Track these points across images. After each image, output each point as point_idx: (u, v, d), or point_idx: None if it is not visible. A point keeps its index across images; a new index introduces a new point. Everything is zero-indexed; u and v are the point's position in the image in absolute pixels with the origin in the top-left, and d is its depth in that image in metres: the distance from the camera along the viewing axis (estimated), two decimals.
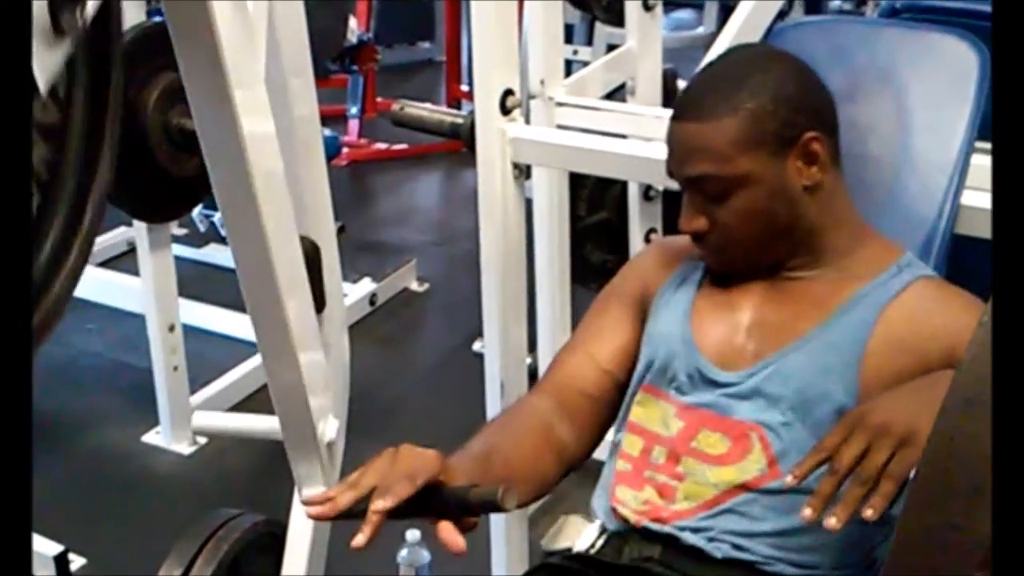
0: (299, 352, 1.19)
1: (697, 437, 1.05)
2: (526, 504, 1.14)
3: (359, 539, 0.84)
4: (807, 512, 0.88)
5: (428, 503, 0.88)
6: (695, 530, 1.03)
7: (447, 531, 0.87)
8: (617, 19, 2.30)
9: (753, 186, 1.02)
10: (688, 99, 1.07)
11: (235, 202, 1.07)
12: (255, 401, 2.43)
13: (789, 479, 0.91)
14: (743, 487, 1.02)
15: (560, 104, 1.64)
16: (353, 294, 2.80)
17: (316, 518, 0.89)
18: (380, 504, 0.85)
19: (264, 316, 1.17)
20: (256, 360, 2.44)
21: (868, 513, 0.85)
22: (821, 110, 1.06)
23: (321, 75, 3.09)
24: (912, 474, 0.83)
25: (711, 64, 1.13)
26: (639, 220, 1.92)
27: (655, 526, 1.05)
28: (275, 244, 1.10)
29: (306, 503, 0.91)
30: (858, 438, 0.88)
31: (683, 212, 1.08)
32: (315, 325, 1.25)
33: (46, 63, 0.59)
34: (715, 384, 1.05)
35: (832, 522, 0.86)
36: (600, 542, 1.10)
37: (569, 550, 1.10)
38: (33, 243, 0.71)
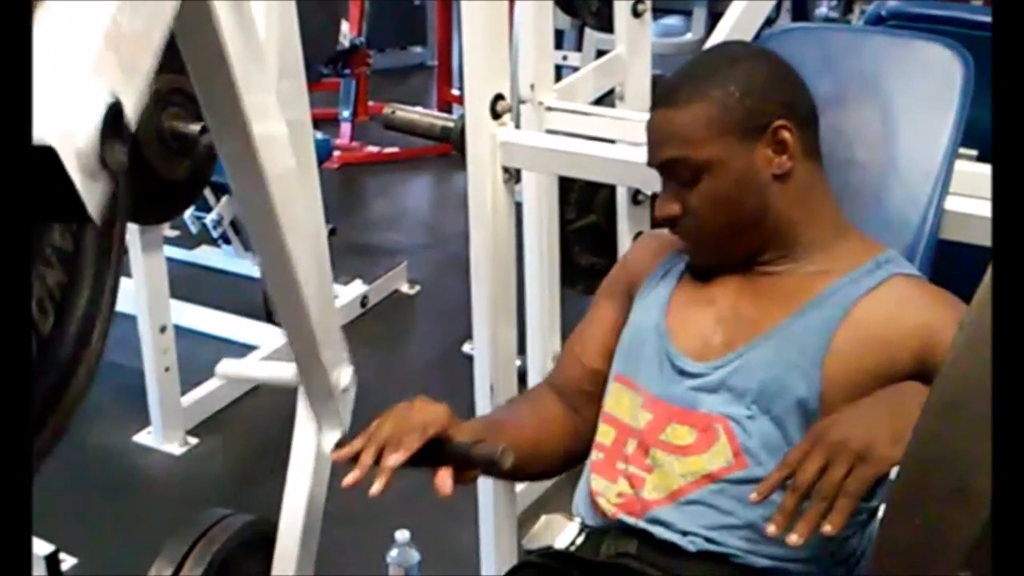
0: (314, 318, 1.27)
1: (665, 430, 1.07)
2: (537, 477, 1.20)
3: (376, 487, 0.95)
4: (771, 528, 0.90)
5: (434, 454, 0.98)
6: (667, 524, 1.04)
7: (442, 477, 0.97)
8: (606, 25, 2.32)
9: (721, 171, 1.05)
10: (663, 88, 1.12)
11: (251, 194, 1.12)
12: (246, 402, 2.44)
13: (753, 496, 0.94)
14: (709, 477, 1.03)
15: (550, 109, 1.66)
16: (344, 296, 2.81)
17: (349, 485, 0.99)
18: (392, 460, 0.96)
19: (284, 301, 1.25)
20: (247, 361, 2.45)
21: (826, 529, 0.88)
22: (793, 102, 1.08)
23: (313, 79, 3.10)
24: (894, 475, 0.85)
25: (691, 58, 1.17)
26: (627, 223, 1.93)
27: (630, 520, 1.06)
28: (290, 233, 1.16)
29: (336, 460, 1.03)
30: (817, 454, 0.90)
31: (658, 200, 1.11)
32: (330, 294, 1.37)
33: (95, 195, 0.65)
34: (683, 374, 1.07)
35: (793, 539, 0.88)
36: (580, 539, 1.11)
37: (549, 548, 1.11)
38: (47, 357, 0.78)
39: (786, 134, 1.06)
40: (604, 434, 1.12)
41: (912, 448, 0.58)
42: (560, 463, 1.19)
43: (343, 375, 1.41)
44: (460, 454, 0.99)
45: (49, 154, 0.61)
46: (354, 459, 0.99)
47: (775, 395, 1.02)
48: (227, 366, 1.58)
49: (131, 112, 0.69)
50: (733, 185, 1.06)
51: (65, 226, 0.72)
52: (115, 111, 0.66)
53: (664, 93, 1.11)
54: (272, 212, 1.12)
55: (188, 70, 0.99)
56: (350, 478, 0.98)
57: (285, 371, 1.43)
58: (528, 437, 1.12)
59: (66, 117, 0.63)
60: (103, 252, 0.82)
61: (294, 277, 1.20)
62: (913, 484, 0.58)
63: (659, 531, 1.04)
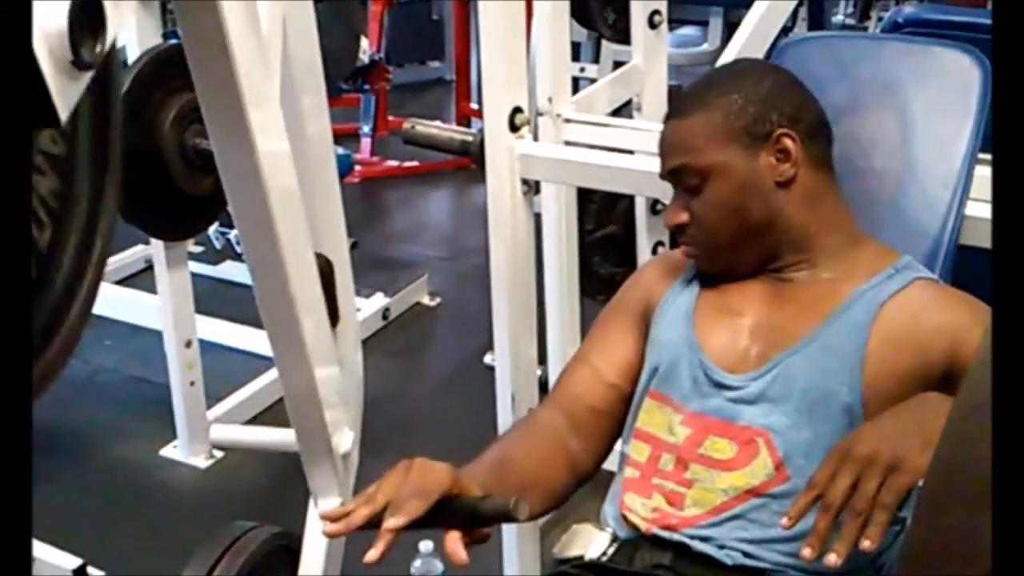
0: (314, 366, 1.21)
1: (704, 443, 1.06)
2: (538, 515, 1.17)
3: (372, 554, 0.87)
4: (806, 552, 0.89)
5: (441, 515, 0.91)
6: (704, 539, 1.03)
7: (452, 543, 0.89)
8: (623, 37, 2.33)
9: (724, 178, 1.07)
10: (673, 102, 1.15)
11: (251, 220, 1.09)
12: (271, 415, 2.45)
13: (784, 521, 0.92)
14: (751, 492, 1.03)
15: (568, 121, 1.67)
16: (366, 309, 2.83)
17: (331, 535, 0.92)
18: (392, 522, 0.88)
19: (280, 331, 1.19)
20: (271, 374, 2.47)
21: (865, 544, 0.86)
22: (799, 113, 1.09)
23: (333, 94, 3.13)
24: (921, 481, 0.84)
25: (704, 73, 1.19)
26: (646, 233, 1.93)
27: (665, 534, 1.06)
28: (291, 261, 1.12)
29: (323, 518, 0.94)
30: (847, 471, 0.89)
31: (667, 208, 1.13)
32: (330, 339, 1.28)
33: (68, 95, 0.61)
34: (721, 386, 1.07)
35: (832, 559, 0.87)
36: (611, 550, 1.10)
37: (581, 558, 1.11)
38: (47, 272, 0.71)
39: (789, 142, 1.07)
40: (638, 451, 1.11)
41: (939, 453, 0.58)
42: (562, 496, 1.14)
43: (344, 438, 1.32)
44: (468, 512, 0.92)
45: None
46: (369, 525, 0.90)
47: (819, 402, 1.02)
48: (220, 431, 1.55)
49: (112, 16, 0.63)
50: (736, 191, 1.07)
51: (55, 129, 0.67)
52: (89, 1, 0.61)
53: (673, 106, 1.14)
54: (272, 231, 1.07)
55: (194, 82, 0.98)
56: (330, 528, 0.91)
57: (282, 436, 1.36)
58: (532, 479, 1.08)
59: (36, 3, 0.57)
60: (99, 154, 0.76)
61: (292, 312, 1.13)
62: (940, 489, 0.58)
63: (696, 544, 1.04)
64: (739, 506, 1.03)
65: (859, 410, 1.01)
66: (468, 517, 0.92)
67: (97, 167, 0.75)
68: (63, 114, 0.60)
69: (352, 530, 0.90)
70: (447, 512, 0.91)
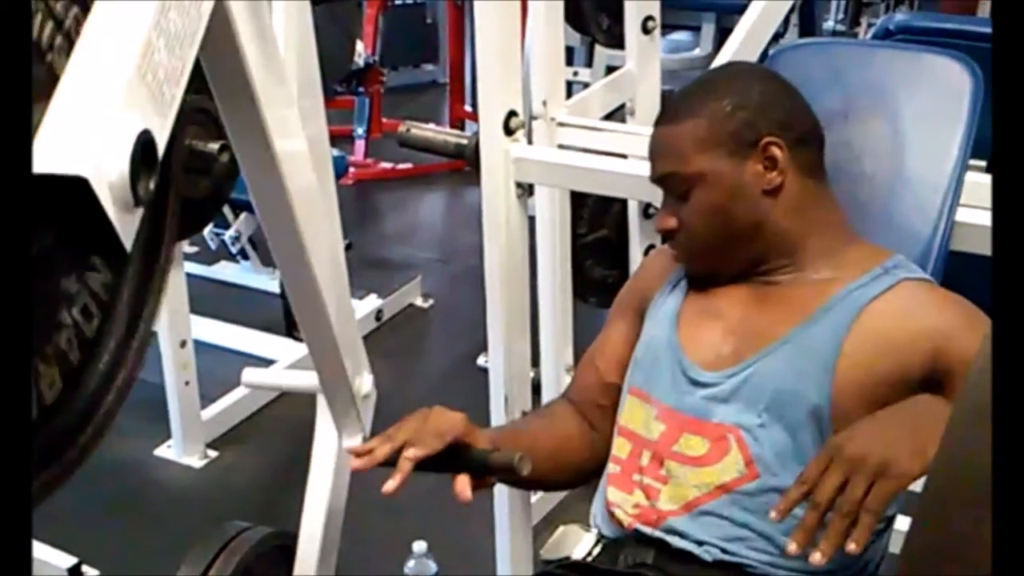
0: (335, 327, 1.31)
1: (679, 441, 1.08)
2: (564, 487, 1.21)
3: (389, 484, 0.95)
4: (792, 547, 0.91)
5: (452, 461, 1.00)
6: (682, 534, 1.05)
7: (461, 483, 0.98)
8: (616, 42, 2.34)
9: (711, 185, 1.08)
10: (664, 107, 1.16)
11: (273, 209, 1.15)
12: (266, 415, 2.46)
13: (773, 514, 0.94)
14: (722, 488, 1.04)
15: (562, 124, 1.68)
16: (359, 310, 2.83)
17: (357, 470, 1.01)
18: (412, 452, 0.97)
19: (303, 306, 1.28)
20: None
21: (851, 547, 0.88)
22: (789, 121, 1.09)
23: (328, 97, 3.13)
24: (922, 484, 0.86)
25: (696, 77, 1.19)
26: (638, 237, 1.95)
27: (647, 529, 1.07)
28: (312, 246, 1.20)
29: (350, 452, 1.04)
30: (836, 471, 0.90)
31: (657, 214, 1.15)
32: (349, 305, 1.41)
33: (129, 228, 0.67)
34: (696, 384, 1.08)
35: (816, 557, 0.89)
36: (597, 550, 1.12)
37: (567, 559, 1.12)
38: (91, 358, 0.78)
39: (776, 151, 1.07)
40: (620, 447, 1.13)
41: (941, 456, 0.58)
42: (575, 475, 1.20)
43: (364, 382, 1.44)
44: (478, 461, 1.01)
45: (83, 186, 0.62)
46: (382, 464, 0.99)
47: (788, 404, 1.03)
48: (251, 375, 1.61)
49: (161, 143, 0.70)
50: (722, 198, 1.08)
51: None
52: (145, 144, 0.67)
53: (663, 111, 1.14)
54: (294, 226, 1.15)
55: (210, 87, 1.01)
56: (356, 463, 0.99)
57: (307, 379, 1.46)
58: (545, 448, 1.13)
59: (98, 150, 0.64)
60: (152, 249, 0.83)
61: (315, 288, 1.23)
62: (941, 491, 0.58)
63: (675, 540, 1.05)
64: (711, 502, 1.04)
65: (827, 412, 1.02)
66: (476, 466, 1.00)
67: (148, 261, 0.81)
68: (127, 244, 0.67)
69: (375, 465, 0.98)
70: (458, 459, 1.00)
